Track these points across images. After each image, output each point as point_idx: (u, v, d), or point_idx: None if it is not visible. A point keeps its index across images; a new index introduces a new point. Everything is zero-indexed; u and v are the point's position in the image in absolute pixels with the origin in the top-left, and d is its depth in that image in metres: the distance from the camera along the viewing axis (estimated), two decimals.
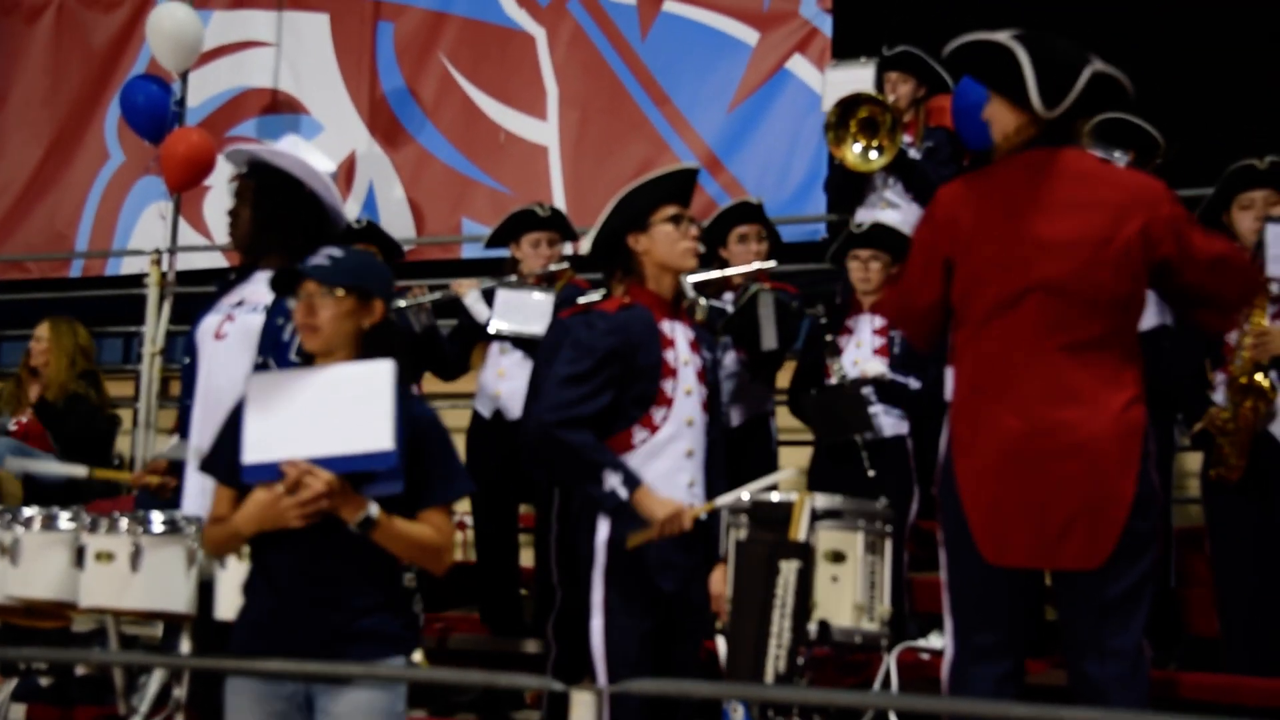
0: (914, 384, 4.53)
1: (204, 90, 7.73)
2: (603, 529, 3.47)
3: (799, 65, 6.83)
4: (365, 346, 2.84)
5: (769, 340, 3.81)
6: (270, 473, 2.68)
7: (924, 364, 4.52)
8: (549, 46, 7.26)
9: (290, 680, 2.70)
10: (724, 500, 3.50)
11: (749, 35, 6.91)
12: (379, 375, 2.71)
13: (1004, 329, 2.98)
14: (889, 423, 4.64)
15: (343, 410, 2.68)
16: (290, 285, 2.87)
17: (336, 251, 2.90)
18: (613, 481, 3.38)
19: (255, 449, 2.69)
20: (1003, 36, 3.03)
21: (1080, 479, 2.91)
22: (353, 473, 2.67)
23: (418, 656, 3.08)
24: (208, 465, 2.92)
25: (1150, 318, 4.33)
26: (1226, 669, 4.02)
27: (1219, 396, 4.04)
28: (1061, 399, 2.92)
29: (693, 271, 3.59)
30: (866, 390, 4.58)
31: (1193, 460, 4.76)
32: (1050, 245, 2.96)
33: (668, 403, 3.51)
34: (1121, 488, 2.91)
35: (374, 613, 2.75)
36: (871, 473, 4.12)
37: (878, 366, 4.55)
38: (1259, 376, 3.88)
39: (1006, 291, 2.97)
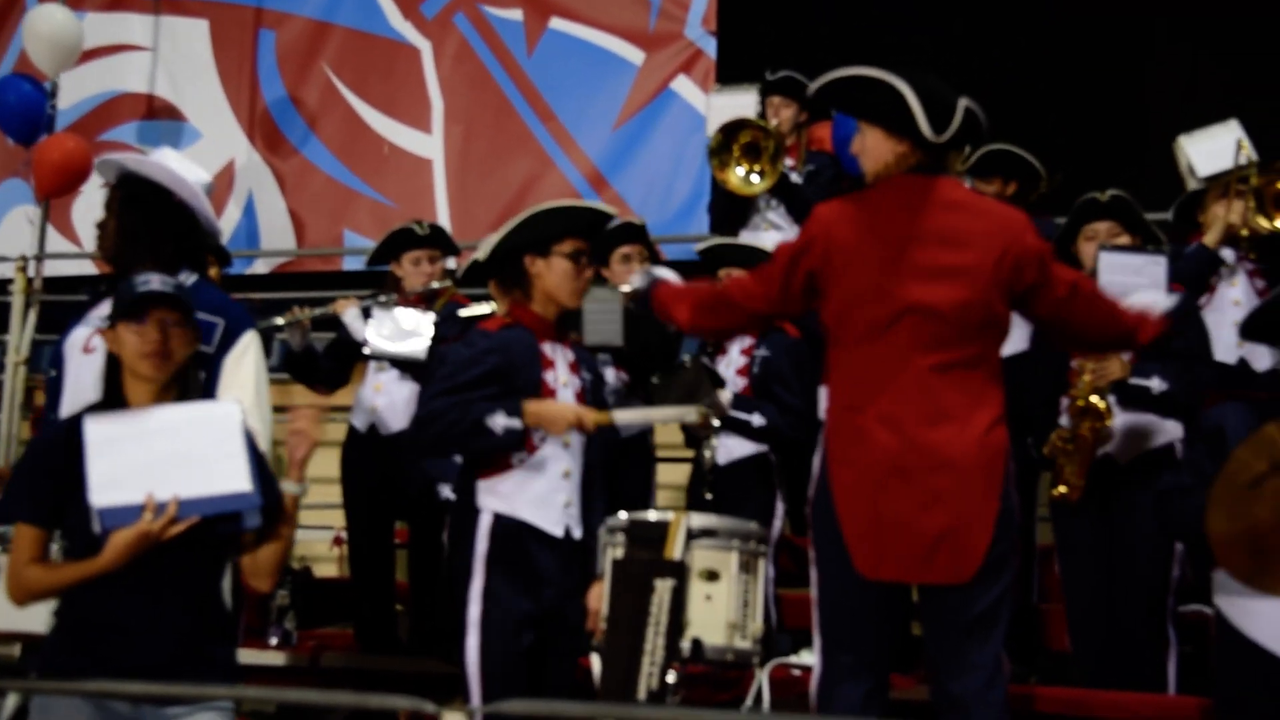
0: (757, 420, 4.57)
1: (75, 93, 7.54)
2: (481, 545, 3.46)
3: (683, 86, 6.92)
4: (177, 374, 2.84)
5: (591, 337, 3.84)
6: (130, 515, 2.64)
7: (780, 391, 4.58)
8: (434, 60, 7.24)
9: (118, 702, 2.66)
10: (623, 415, 3.52)
11: (634, 55, 6.99)
12: (228, 417, 2.73)
13: (878, 349, 3.07)
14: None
15: (196, 452, 2.68)
16: (137, 307, 2.82)
17: (167, 278, 2.88)
18: (499, 420, 3.39)
19: (109, 491, 2.65)
20: (876, 71, 3.11)
21: (950, 496, 3.01)
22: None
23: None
24: (7, 512, 2.83)
25: (1012, 343, 4.50)
26: (1079, 683, 4.16)
27: (1065, 420, 4.18)
28: (932, 417, 3.02)
29: (576, 309, 3.61)
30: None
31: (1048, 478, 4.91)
32: (923, 270, 3.05)
33: None
34: (987, 505, 3.02)
35: (201, 640, 2.74)
36: (709, 496, 4.17)
37: (724, 396, 4.61)
38: (1096, 399, 4.03)
39: (881, 313, 3.06)
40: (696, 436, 4.56)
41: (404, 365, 4.87)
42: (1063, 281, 3.13)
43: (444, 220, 7.09)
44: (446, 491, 4.48)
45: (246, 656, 4.84)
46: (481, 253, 3.64)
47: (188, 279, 3.36)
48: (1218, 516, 2.92)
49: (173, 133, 7.41)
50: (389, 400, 4.93)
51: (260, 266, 7.47)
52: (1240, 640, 3.02)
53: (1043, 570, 4.82)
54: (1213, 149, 4.44)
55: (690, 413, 3.65)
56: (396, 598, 5.17)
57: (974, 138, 3.23)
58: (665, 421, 3.56)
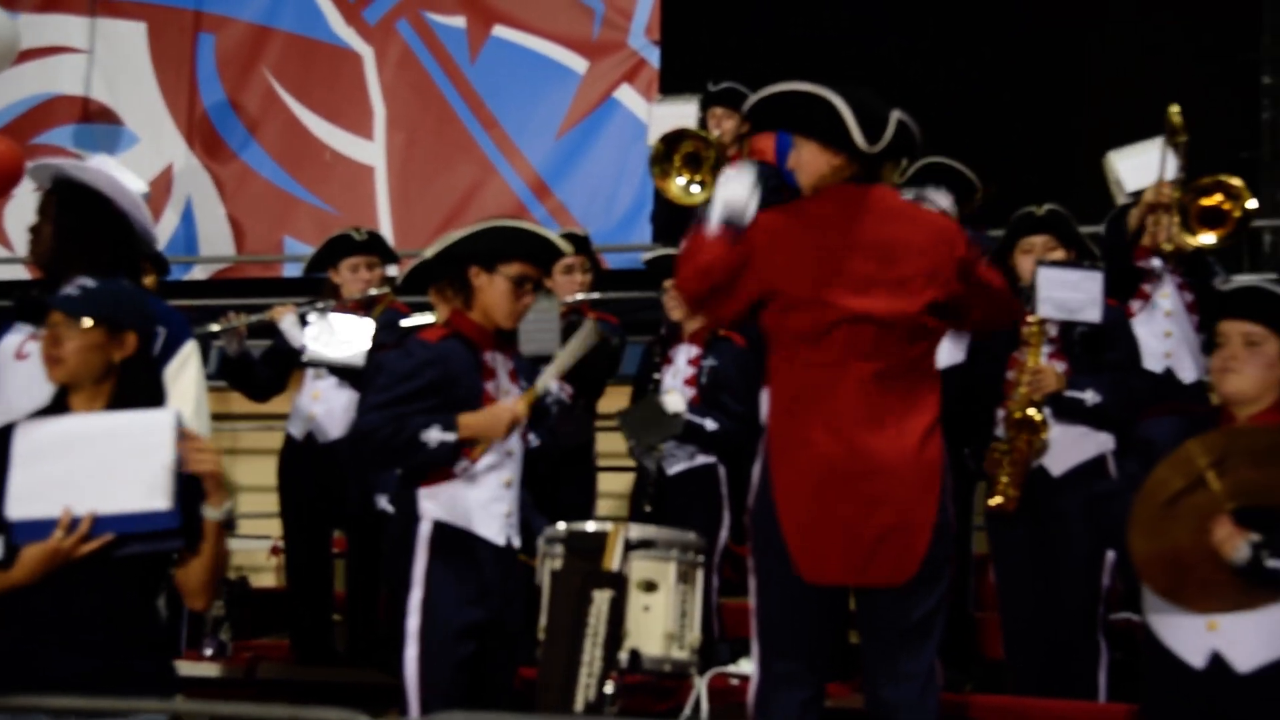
0: (710, 424, 4.60)
1: (7, 95, 7.43)
2: (420, 555, 3.45)
3: (627, 95, 6.94)
4: (121, 381, 2.78)
5: (527, 346, 3.85)
6: (44, 530, 2.59)
7: (728, 400, 4.61)
8: (377, 66, 7.22)
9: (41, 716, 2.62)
10: (542, 380, 3.52)
11: (578, 63, 7.00)
12: (159, 428, 2.65)
13: (816, 356, 3.11)
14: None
15: (120, 464, 2.61)
16: (41, 315, 2.78)
17: (89, 282, 2.84)
18: (433, 435, 3.37)
19: (25, 503, 2.59)
20: (809, 86, 3.15)
21: (889, 499, 3.06)
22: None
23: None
24: None
25: (949, 355, 4.56)
26: (1014, 690, 4.22)
27: (1001, 431, 4.25)
28: (871, 423, 3.07)
29: (511, 331, 3.60)
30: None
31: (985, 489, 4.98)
32: (859, 279, 3.10)
33: None
34: (926, 508, 3.07)
35: (130, 654, 2.70)
36: (648, 508, 4.18)
37: (677, 403, 4.63)
38: (1031, 411, 4.09)
39: (819, 321, 3.11)
40: (643, 457, 4.58)
41: (341, 372, 4.84)
42: (987, 284, 3.24)
43: (386, 227, 7.06)
44: (384, 503, 4.47)
45: (180, 668, 4.80)
46: (430, 251, 3.61)
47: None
48: (1138, 535, 2.95)
49: (109, 137, 7.32)
50: (326, 408, 4.90)
51: (199, 272, 7.39)
52: (1162, 650, 3.06)
53: (978, 579, 4.88)
54: (1140, 164, 4.52)
55: (588, 334, 3.60)
56: (334, 608, 5.13)
57: (909, 150, 3.28)
58: (575, 355, 3.52)
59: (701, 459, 4.69)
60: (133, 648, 2.72)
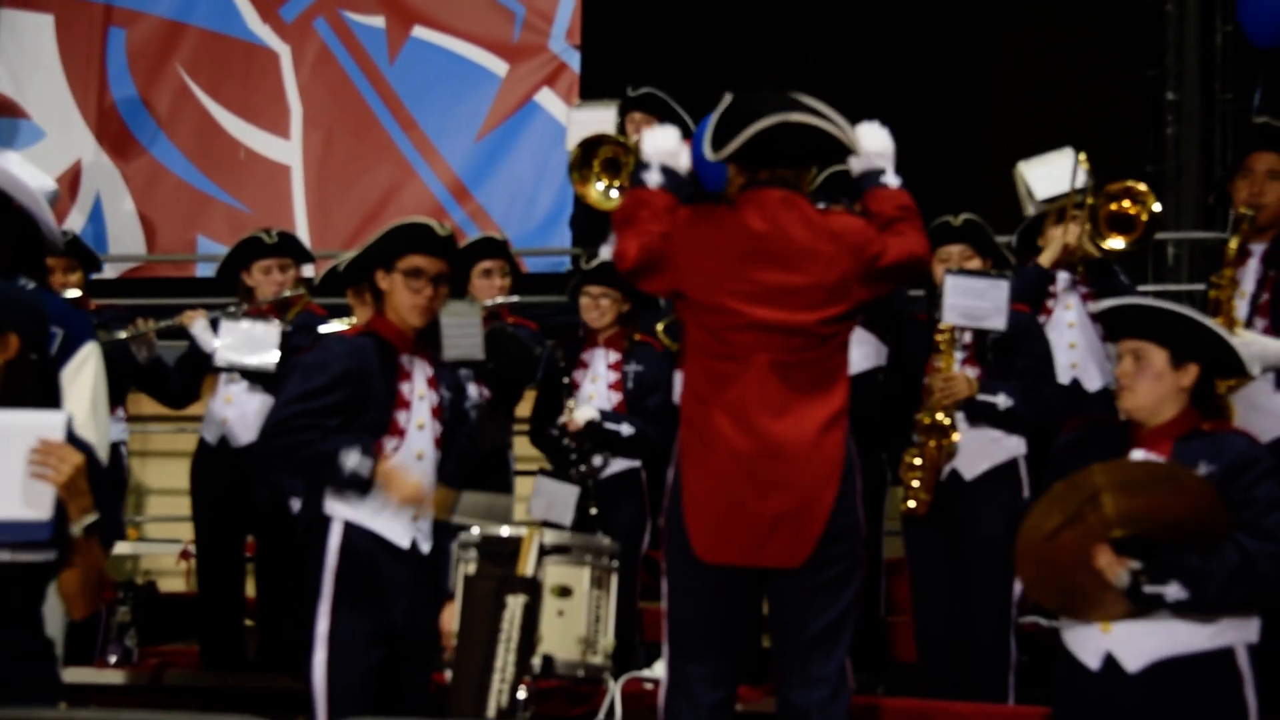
0: (626, 429, 4.61)
1: None
2: (330, 559, 3.42)
3: (547, 99, 6.94)
4: (4, 384, 2.70)
5: (449, 352, 3.84)
6: None
7: (653, 404, 4.63)
8: (294, 64, 7.13)
9: None
10: (465, 506, 3.49)
11: (498, 66, 6.98)
12: (48, 429, 2.54)
13: (723, 348, 3.18)
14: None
15: (3, 466, 2.51)
16: None
17: None
18: (350, 460, 3.34)
19: None
20: (733, 93, 3.19)
21: (787, 482, 3.12)
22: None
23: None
24: None
25: (866, 359, 4.62)
26: (925, 693, 4.28)
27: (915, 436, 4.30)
28: (773, 410, 3.14)
29: (418, 328, 3.58)
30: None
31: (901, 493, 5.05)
32: (763, 287, 3.15)
33: (400, 434, 3.50)
34: (824, 492, 3.13)
35: (6, 661, 2.63)
36: (593, 511, 4.20)
37: (588, 413, 4.63)
38: (940, 416, 4.16)
39: (728, 320, 3.17)
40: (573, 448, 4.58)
41: (254, 377, 4.78)
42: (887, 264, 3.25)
43: (302, 228, 6.99)
44: (298, 504, 4.41)
45: (81, 676, 4.70)
46: (341, 265, 3.62)
47: (25, 287, 3.23)
48: (1025, 566, 3.08)
49: (13, 131, 7.14)
50: (239, 412, 4.84)
51: (108, 271, 7.23)
52: (1065, 653, 3.15)
53: (891, 583, 4.94)
54: (1049, 174, 4.61)
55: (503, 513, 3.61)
56: (246, 612, 5.06)
57: (815, 157, 3.32)
58: (498, 521, 3.53)
59: (625, 464, 4.70)
60: (9, 655, 2.63)
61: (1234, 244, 3.97)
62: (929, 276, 4.47)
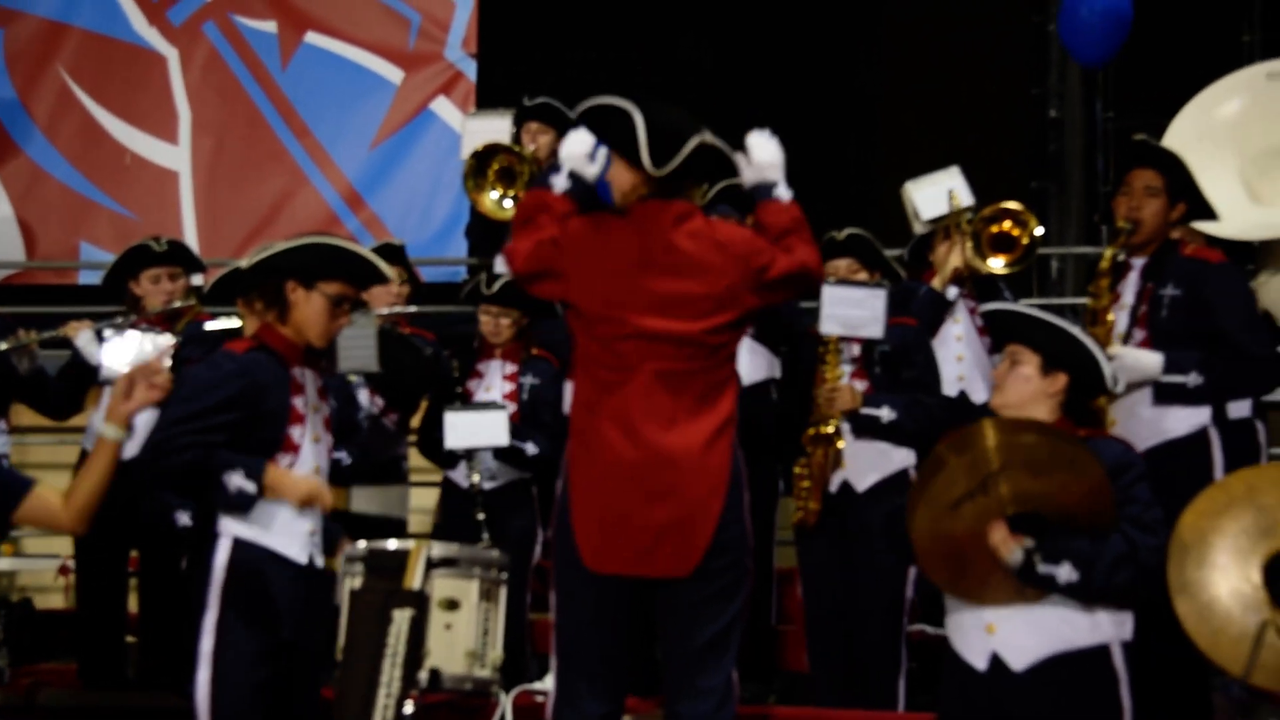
0: (531, 448, 4.62)
1: None
2: (218, 573, 3.37)
3: (443, 107, 6.91)
4: None
5: (345, 363, 3.82)
6: None
7: (549, 419, 4.63)
8: (182, 68, 7.00)
9: None
10: (359, 498, 3.46)
11: (393, 73, 6.94)
12: None
13: (611, 357, 3.19)
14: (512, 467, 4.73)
15: None
16: None
17: None
18: (235, 480, 3.31)
19: None
20: (623, 101, 3.20)
21: (674, 492, 3.14)
22: None
23: None
24: None
25: (758, 371, 4.66)
26: (816, 702, 4.33)
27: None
28: (662, 420, 3.16)
29: (321, 350, 3.53)
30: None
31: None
32: (650, 297, 3.17)
33: (294, 449, 3.46)
34: (711, 502, 3.16)
35: None
36: (481, 516, 4.18)
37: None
38: (829, 428, 4.23)
39: (615, 330, 3.18)
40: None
41: None
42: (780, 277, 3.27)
43: (191, 235, 6.86)
44: (185, 519, 4.33)
45: None
46: (246, 262, 3.51)
47: None
48: (920, 524, 3.14)
49: None
50: None
51: None
52: (953, 655, 3.23)
53: (782, 593, 4.99)
54: (935, 194, 4.71)
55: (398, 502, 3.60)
56: (127, 629, 4.94)
57: (711, 174, 3.35)
58: (391, 511, 3.52)
59: (516, 474, 4.69)
60: None
61: (1109, 254, 4.08)
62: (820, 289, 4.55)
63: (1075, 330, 3.30)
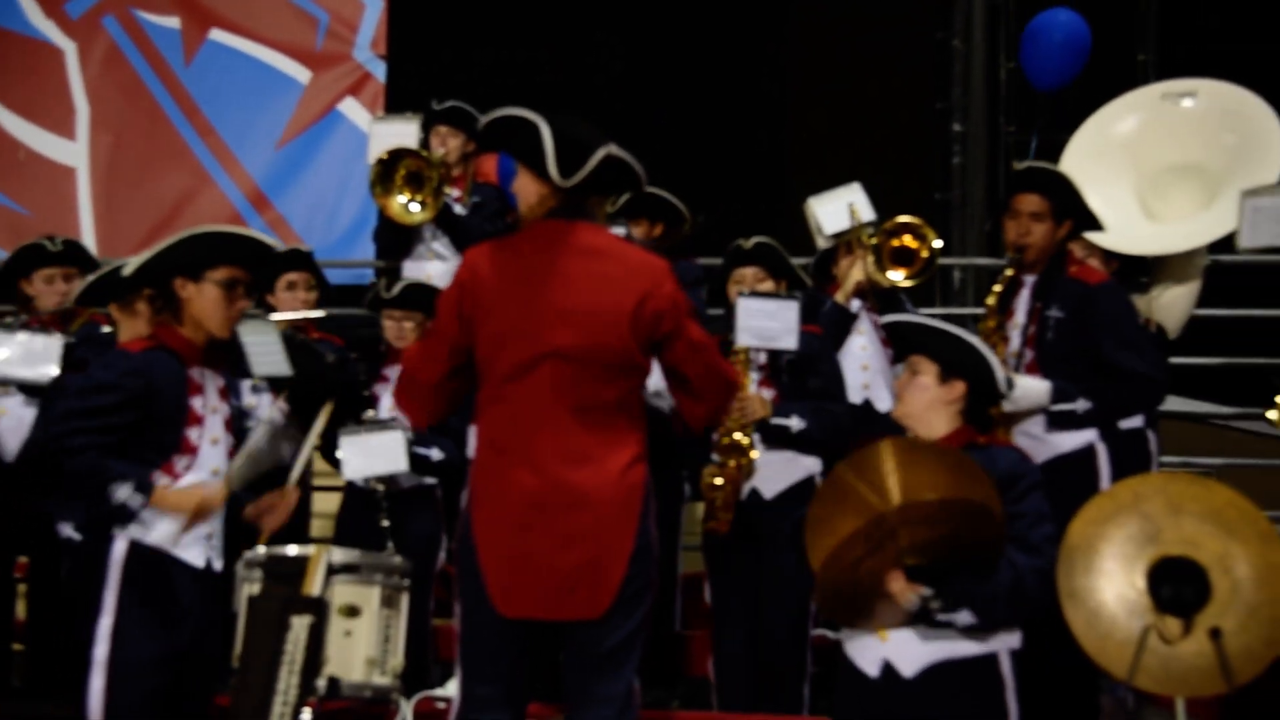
0: (436, 454, 4.58)
1: None
2: (113, 577, 3.31)
3: (351, 108, 6.85)
4: None
5: (258, 369, 3.79)
6: None
7: (457, 424, 4.60)
8: (80, 62, 6.84)
9: None
10: (233, 469, 3.42)
11: (300, 73, 6.86)
12: None
13: (522, 391, 3.13)
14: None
15: None
16: None
17: None
18: (121, 492, 3.26)
19: None
20: (527, 112, 3.18)
21: (587, 533, 3.09)
22: None
23: None
24: None
25: (662, 379, 4.67)
26: (720, 707, 4.36)
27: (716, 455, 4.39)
28: (572, 458, 3.10)
29: (227, 339, 3.48)
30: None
31: (701, 510, 5.15)
32: (564, 314, 3.13)
33: (192, 451, 3.43)
34: (623, 542, 3.12)
35: None
36: (385, 523, 4.14)
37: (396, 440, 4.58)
38: (739, 436, 4.26)
39: (524, 356, 3.12)
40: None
41: (31, 390, 4.57)
42: (690, 336, 3.23)
43: (88, 234, 6.72)
44: (68, 530, 4.27)
45: None
46: (129, 269, 3.47)
47: None
48: (826, 593, 3.18)
49: None
50: (14, 423, 4.61)
51: None
52: (847, 663, 3.28)
53: (687, 598, 5.02)
54: (837, 209, 4.79)
55: (277, 439, 3.57)
56: (15, 635, 4.82)
57: (618, 186, 3.35)
58: (260, 457, 3.47)
59: (422, 480, 4.66)
60: None
61: (997, 289, 4.18)
62: (725, 297, 4.58)
63: (971, 337, 3.38)
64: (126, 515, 3.28)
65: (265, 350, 4.16)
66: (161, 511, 3.32)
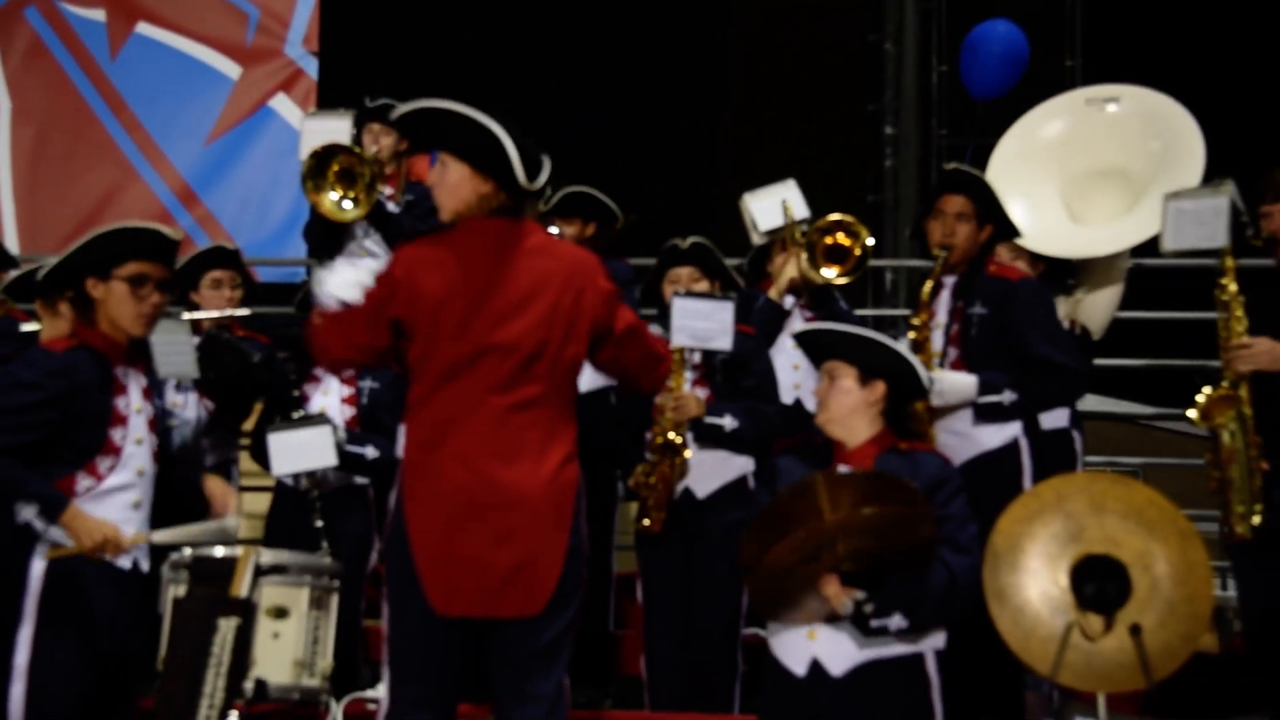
0: (371, 452, 4.55)
1: None
2: (34, 582, 3.28)
3: (283, 104, 6.77)
4: None
5: (164, 369, 3.74)
6: None
7: (389, 421, 4.57)
8: (1, 55, 6.70)
9: None
10: (160, 536, 3.38)
11: (230, 68, 6.77)
12: None
13: (457, 389, 3.11)
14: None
15: None
16: None
17: None
18: (27, 514, 3.26)
19: None
20: (471, 110, 3.15)
21: (521, 532, 3.09)
22: None
23: None
24: None
25: (597, 378, 4.67)
26: (652, 706, 4.37)
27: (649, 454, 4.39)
28: (505, 455, 3.10)
29: (143, 336, 3.43)
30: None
31: (634, 509, 5.15)
32: (502, 311, 3.13)
33: (116, 451, 3.39)
34: (557, 539, 3.12)
35: None
36: (319, 523, 4.10)
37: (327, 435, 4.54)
38: (673, 435, 4.28)
39: (464, 353, 3.11)
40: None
41: None
42: (622, 321, 3.29)
43: (10, 229, 6.60)
44: None
45: None
46: (42, 273, 3.46)
47: None
48: (759, 596, 3.26)
49: None
50: None
51: None
52: (774, 662, 3.33)
53: (620, 597, 5.02)
54: (771, 206, 4.82)
55: (224, 532, 3.52)
56: None
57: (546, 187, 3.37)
58: (199, 541, 3.44)
59: (354, 480, 4.62)
60: None
61: (928, 287, 4.23)
62: (660, 297, 4.60)
63: (885, 338, 3.44)
64: (29, 535, 3.26)
65: (174, 351, 4.11)
66: (70, 533, 3.28)
